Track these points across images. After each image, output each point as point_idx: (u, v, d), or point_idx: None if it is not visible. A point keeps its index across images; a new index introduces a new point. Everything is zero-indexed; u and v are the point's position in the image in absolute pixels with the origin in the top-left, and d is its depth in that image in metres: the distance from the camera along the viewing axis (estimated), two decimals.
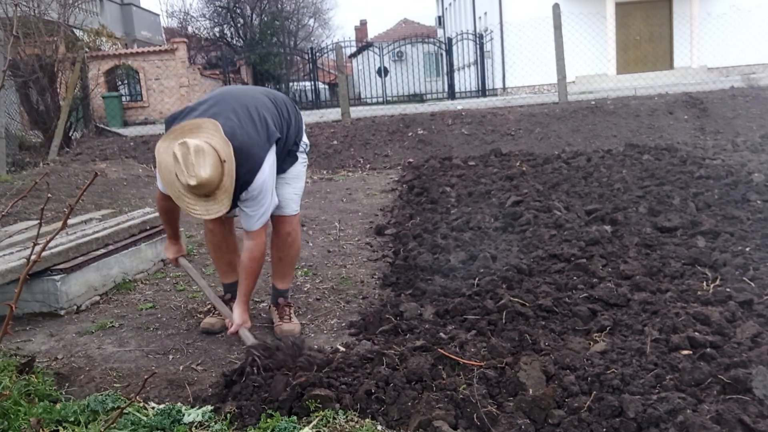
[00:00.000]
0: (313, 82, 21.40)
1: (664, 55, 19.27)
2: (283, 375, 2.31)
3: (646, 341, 2.35)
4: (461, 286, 3.25)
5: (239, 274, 2.91)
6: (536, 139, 8.66)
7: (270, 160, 2.68)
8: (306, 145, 3.09)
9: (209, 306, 3.35)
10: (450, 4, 28.82)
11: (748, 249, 3.43)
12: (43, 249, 1.50)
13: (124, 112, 17.91)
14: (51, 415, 2.17)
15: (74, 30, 12.09)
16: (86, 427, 2.11)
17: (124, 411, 2.16)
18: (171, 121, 2.68)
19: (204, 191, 2.48)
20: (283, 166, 2.92)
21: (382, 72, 21.59)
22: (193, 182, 2.42)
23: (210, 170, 2.43)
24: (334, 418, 2.09)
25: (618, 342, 2.41)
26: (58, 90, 10.31)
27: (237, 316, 2.80)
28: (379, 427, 2.06)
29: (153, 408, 2.28)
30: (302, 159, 3.06)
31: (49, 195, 6.51)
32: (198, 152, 2.41)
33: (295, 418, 2.09)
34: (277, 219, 3.02)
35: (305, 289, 3.69)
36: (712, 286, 2.94)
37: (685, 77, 15.52)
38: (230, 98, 2.73)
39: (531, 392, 2.06)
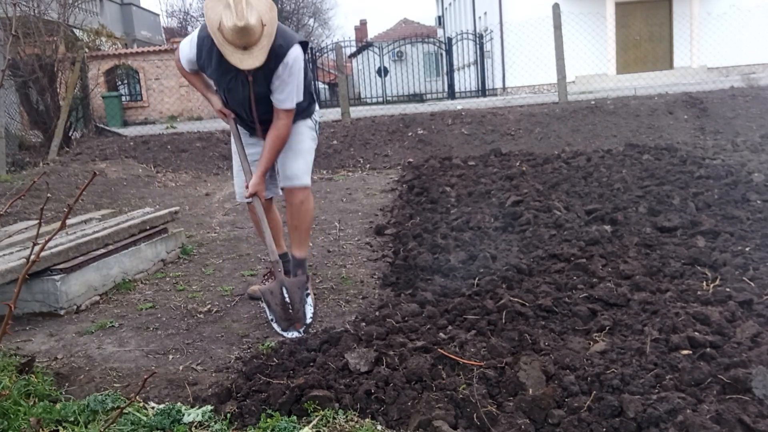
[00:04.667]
0: (313, 82, 21.36)
1: (664, 55, 19.26)
2: (281, 379, 2.32)
3: (646, 341, 2.35)
4: (461, 286, 3.25)
5: (263, 148, 3.19)
6: (536, 139, 8.66)
7: (299, 51, 3.02)
8: (316, 121, 3.44)
9: (209, 306, 3.41)
10: (450, 4, 28.82)
11: (748, 249, 3.43)
12: (42, 249, 1.50)
13: (124, 112, 17.90)
14: (51, 415, 2.17)
15: (74, 30, 12.08)
16: (86, 427, 2.11)
17: (124, 411, 2.16)
18: None
19: (244, 41, 2.80)
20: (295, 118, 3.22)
21: (382, 72, 21.58)
22: (240, 24, 2.76)
23: (254, 20, 2.79)
24: (334, 418, 2.09)
25: (618, 342, 2.41)
26: (58, 90, 10.29)
27: (253, 184, 3.15)
28: (379, 427, 2.06)
29: (153, 408, 2.28)
30: (312, 132, 3.40)
31: (49, 195, 6.51)
32: (248, 3, 2.79)
33: (295, 418, 2.10)
34: (289, 191, 3.30)
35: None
36: (712, 286, 2.94)
37: (685, 77, 15.52)
38: None
39: (531, 392, 2.06)
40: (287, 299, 3.05)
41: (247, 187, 3.20)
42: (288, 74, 3.01)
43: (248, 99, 3.13)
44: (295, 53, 3.00)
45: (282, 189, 3.38)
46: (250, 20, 2.77)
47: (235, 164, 3.50)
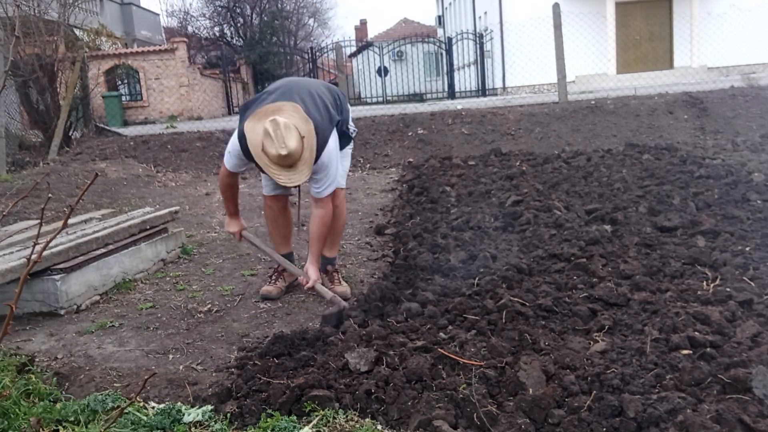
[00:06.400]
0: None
1: (664, 54, 19.26)
2: (281, 379, 2.32)
3: (646, 341, 2.35)
4: (461, 285, 3.25)
5: (310, 238, 3.32)
6: (536, 139, 8.66)
7: (334, 138, 3.20)
8: (354, 131, 3.55)
9: (209, 306, 3.41)
10: (450, 4, 28.80)
11: (748, 249, 3.42)
12: (44, 249, 1.49)
13: (124, 112, 17.90)
14: (51, 415, 2.17)
15: (74, 29, 12.07)
16: (86, 427, 2.11)
17: (124, 410, 2.16)
18: (245, 108, 3.17)
19: (289, 162, 2.93)
20: (339, 146, 3.35)
21: (382, 72, 21.58)
22: (284, 152, 2.88)
23: (295, 143, 2.90)
24: (334, 418, 2.09)
25: (618, 342, 2.41)
26: (58, 89, 10.28)
27: (312, 273, 3.24)
28: (379, 427, 2.06)
29: (153, 408, 2.28)
30: (349, 149, 3.58)
31: (50, 195, 6.50)
32: (286, 127, 2.89)
33: (295, 417, 2.10)
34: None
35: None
36: (712, 285, 2.94)
37: (685, 77, 15.52)
38: (295, 87, 3.22)
39: (531, 392, 2.06)
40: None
41: (304, 282, 3.25)
42: (324, 170, 3.15)
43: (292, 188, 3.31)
44: (329, 150, 3.14)
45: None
46: (290, 146, 2.88)
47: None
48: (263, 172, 3.23)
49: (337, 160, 3.24)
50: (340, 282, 3.56)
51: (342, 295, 3.40)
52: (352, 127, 3.53)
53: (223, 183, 3.43)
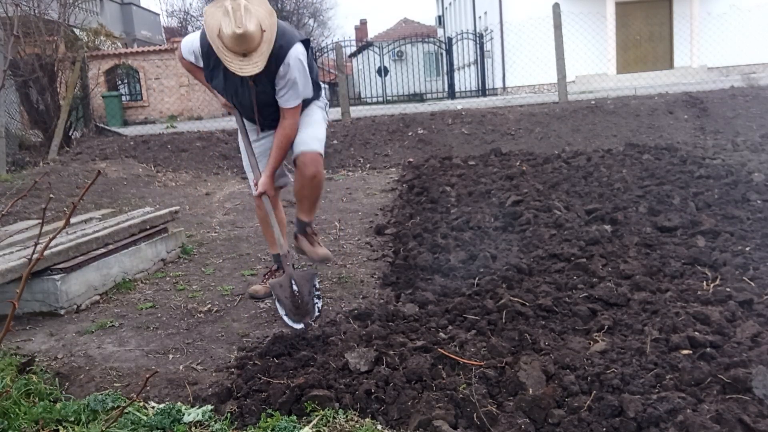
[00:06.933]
0: (316, 74, 21.32)
1: (664, 54, 19.27)
2: (281, 379, 2.32)
3: (646, 341, 2.35)
4: (461, 285, 3.25)
5: (272, 148, 3.22)
6: (536, 139, 8.66)
7: (302, 52, 3.04)
8: (326, 103, 3.53)
9: (209, 306, 3.42)
10: (450, 4, 28.81)
11: (748, 249, 3.42)
12: (46, 247, 1.49)
13: (124, 112, 17.90)
14: (51, 415, 2.17)
15: (74, 29, 12.07)
16: (86, 427, 2.11)
17: (125, 410, 2.16)
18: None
19: (243, 48, 2.81)
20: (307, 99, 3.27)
21: (382, 71, 21.58)
22: (239, 31, 2.75)
23: (253, 27, 2.79)
24: (334, 418, 2.09)
25: (618, 342, 2.41)
26: (58, 89, 10.28)
27: (262, 183, 3.18)
28: (379, 427, 2.06)
29: (153, 407, 2.28)
30: (322, 112, 3.46)
31: (51, 195, 6.50)
32: (247, 10, 2.79)
33: (295, 417, 2.10)
34: (301, 161, 3.23)
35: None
36: (712, 285, 2.94)
37: (685, 77, 15.52)
38: None
39: (531, 392, 2.06)
40: (296, 292, 3.07)
41: (256, 185, 3.24)
42: (290, 74, 3.02)
43: (253, 103, 3.17)
44: (296, 53, 3.01)
45: (294, 162, 3.29)
46: (248, 27, 2.77)
47: (244, 159, 3.52)
48: (214, 79, 3.14)
49: (305, 77, 3.11)
50: (320, 244, 3.48)
51: (324, 258, 3.39)
52: (323, 97, 3.45)
53: (188, 68, 3.38)
